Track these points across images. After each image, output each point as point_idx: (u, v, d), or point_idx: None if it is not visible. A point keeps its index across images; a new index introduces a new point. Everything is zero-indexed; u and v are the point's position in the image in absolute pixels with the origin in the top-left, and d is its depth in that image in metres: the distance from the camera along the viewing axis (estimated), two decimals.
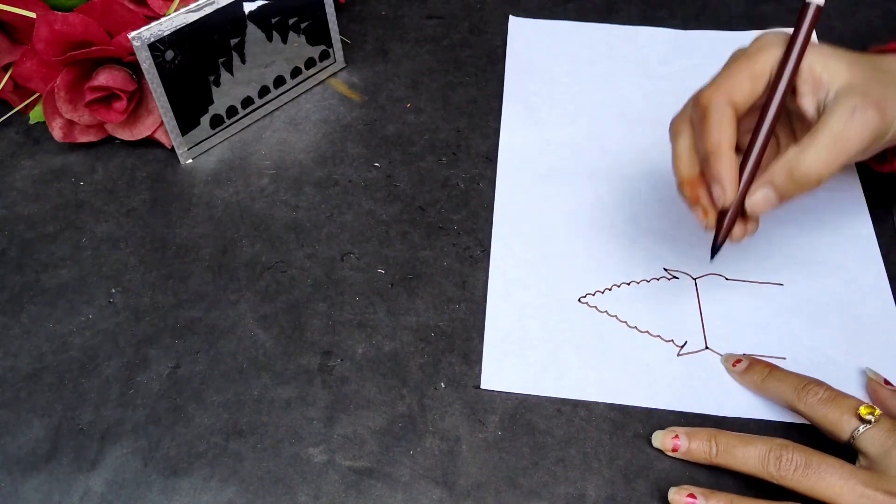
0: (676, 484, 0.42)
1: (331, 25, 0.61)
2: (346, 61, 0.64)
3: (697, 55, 0.64)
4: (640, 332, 0.48)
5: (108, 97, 0.55)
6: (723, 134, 0.40)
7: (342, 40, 0.63)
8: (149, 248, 0.53)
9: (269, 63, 0.59)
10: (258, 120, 0.60)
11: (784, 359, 0.47)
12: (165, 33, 0.51)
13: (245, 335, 0.48)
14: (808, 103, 0.40)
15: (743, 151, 0.42)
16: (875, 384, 0.44)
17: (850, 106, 0.38)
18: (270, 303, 0.50)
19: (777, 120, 0.41)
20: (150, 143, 0.58)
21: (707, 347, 0.48)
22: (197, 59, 0.54)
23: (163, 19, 0.51)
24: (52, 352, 0.48)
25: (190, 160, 0.58)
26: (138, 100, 0.57)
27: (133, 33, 0.50)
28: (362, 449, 0.44)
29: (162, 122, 0.56)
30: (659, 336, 0.48)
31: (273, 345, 0.48)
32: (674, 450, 0.42)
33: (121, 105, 0.55)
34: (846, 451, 0.40)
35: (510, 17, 0.68)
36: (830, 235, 0.52)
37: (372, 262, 0.52)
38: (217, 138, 0.59)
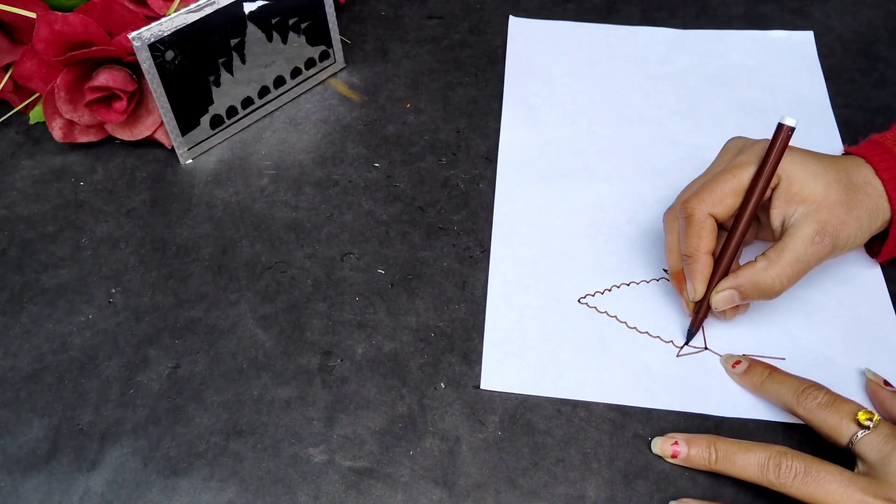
0: (676, 484, 0.42)
1: (331, 26, 0.61)
2: (346, 61, 0.64)
3: (697, 55, 0.64)
4: (640, 332, 0.48)
5: (108, 97, 0.55)
6: (700, 241, 0.45)
7: (342, 40, 0.63)
8: (149, 248, 0.53)
9: (269, 63, 0.59)
10: (258, 120, 0.60)
11: (783, 359, 0.47)
12: (165, 33, 0.51)
13: (245, 335, 0.48)
14: (776, 217, 0.45)
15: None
16: (875, 385, 0.44)
17: (811, 233, 0.44)
18: (270, 303, 0.50)
19: (749, 227, 0.45)
20: (150, 143, 0.58)
21: (706, 348, 0.48)
22: (197, 59, 0.54)
23: (163, 19, 0.51)
24: (52, 352, 0.48)
25: (190, 160, 0.58)
26: (138, 100, 0.57)
27: (133, 33, 0.50)
28: (362, 449, 0.44)
29: (162, 122, 0.56)
30: (659, 337, 0.48)
31: (273, 345, 0.48)
32: (673, 456, 0.43)
33: (121, 105, 0.55)
34: (845, 454, 0.40)
35: (510, 17, 0.68)
36: None
37: (372, 262, 0.52)
38: (217, 138, 0.59)
